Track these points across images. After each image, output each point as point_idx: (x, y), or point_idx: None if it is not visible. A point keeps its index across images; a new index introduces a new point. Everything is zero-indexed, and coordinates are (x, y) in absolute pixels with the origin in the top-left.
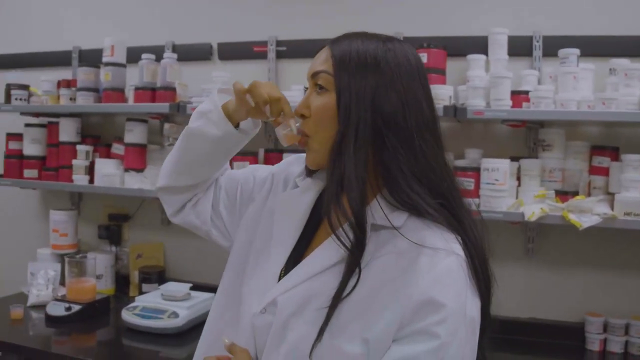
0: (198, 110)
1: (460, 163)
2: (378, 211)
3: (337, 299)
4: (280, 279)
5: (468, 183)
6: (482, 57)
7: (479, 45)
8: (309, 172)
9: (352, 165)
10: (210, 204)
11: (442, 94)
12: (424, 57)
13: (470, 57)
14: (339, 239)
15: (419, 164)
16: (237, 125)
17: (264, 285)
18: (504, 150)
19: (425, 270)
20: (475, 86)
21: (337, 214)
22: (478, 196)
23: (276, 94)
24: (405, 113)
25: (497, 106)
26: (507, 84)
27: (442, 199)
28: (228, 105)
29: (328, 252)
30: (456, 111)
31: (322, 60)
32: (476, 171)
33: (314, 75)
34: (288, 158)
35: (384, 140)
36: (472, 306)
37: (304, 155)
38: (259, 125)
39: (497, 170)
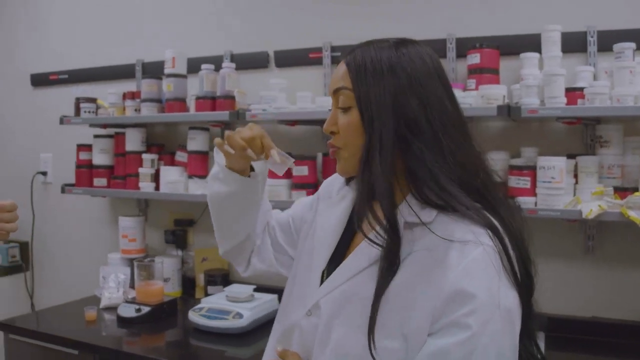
0: (209, 176)
1: (515, 162)
2: (408, 210)
3: (378, 298)
4: (322, 282)
5: (524, 182)
6: (536, 55)
7: (532, 43)
8: (347, 181)
9: (380, 174)
10: (270, 247)
11: (495, 93)
12: (476, 57)
13: (523, 55)
14: (373, 241)
15: (446, 163)
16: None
17: (307, 289)
18: (560, 148)
19: (454, 263)
20: (529, 84)
21: (370, 220)
22: (534, 195)
23: (249, 134)
24: (427, 114)
25: (552, 104)
26: (561, 81)
27: (475, 194)
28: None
29: (364, 254)
30: (510, 110)
31: (340, 76)
32: (532, 170)
33: (335, 92)
34: (329, 177)
35: (409, 144)
36: (507, 297)
37: None
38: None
39: (554, 168)
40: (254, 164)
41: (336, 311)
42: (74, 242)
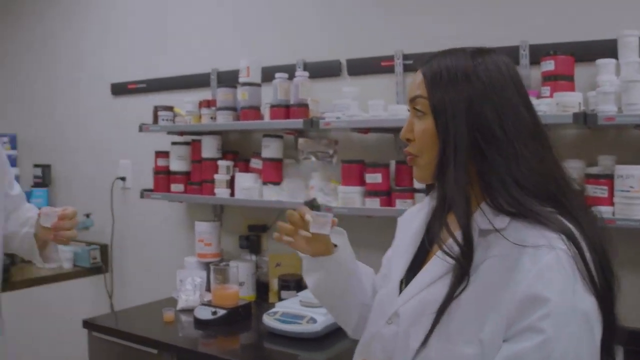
0: (303, 273)
1: (592, 170)
2: (482, 217)
3: (444, 306)
4: (401, 291)
5: (601, 191)
6: (612, 61)
7: (608, 48)
8: (427, 191)
9: (454, 182)
10: None
11: (571, 100)
12: (550, 64)
13: (599, 61)
14: (446, 252)
15: (520, 170)
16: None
17: (387, 298)
18: (638, 156)
19: (527, 268)
20: (606, 91)
21: (445, 228)
22: (612, 204)
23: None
24: (502, 122)
25: (630, 111)
26: (639, 87)
27: (551, 201)
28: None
29: (440, 262)
30: (586, 118)
31: (417, 85)
32: (609, 178)
33: (411, 101)
34: (404, 214)
35: (483, 152)
36: (584, 301)
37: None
38: (344, 234)
39: (632, 177)
40: (332, 237)
41: (414, 319)
42: (152, 245)
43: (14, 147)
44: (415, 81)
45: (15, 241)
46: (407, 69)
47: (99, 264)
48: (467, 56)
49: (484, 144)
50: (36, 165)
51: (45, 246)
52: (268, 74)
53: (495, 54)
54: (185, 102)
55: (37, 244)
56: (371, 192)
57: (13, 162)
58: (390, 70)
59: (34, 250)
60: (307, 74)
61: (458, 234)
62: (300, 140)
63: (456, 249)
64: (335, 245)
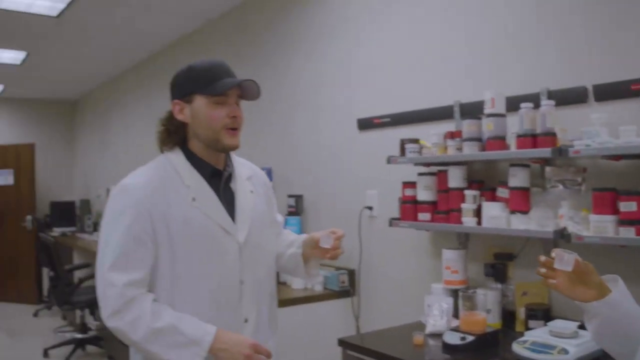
0: (586, 322)
1: None
2: None
3: None
4: None
5: None
6: None
7: None
8: None
9: None
10: None
11: None
12: None
13: None
14: None
15: None
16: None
17: None
18: None
19: None
20: None
21: None
22: None
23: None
24: None
25: None
26: None
27: None
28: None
29: None
30: None
31: None
32: None
33: None
34: None
35: None
36: None
37: None
38: (618, 279)
39: None
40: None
41: None
42: (397, 271)
43: (270, 179)
44: None
45: (282, 260)
46: None
47: (347, 287)
48: None
49: None
50: (290, 196)
51: (308, 264)
52: (511, 104)
53: None
54: (430, 135)
55: (303, 262)
56: (625, 221)
57: None
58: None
59: (300, 267)
60: (553, 102)
61: None
62: (548, 169)
63: None
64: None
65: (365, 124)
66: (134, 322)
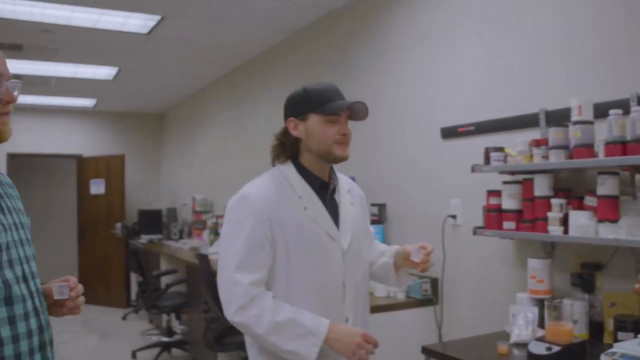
0: None
1: None
2: None
3: None
4: None
5: None
6: None
7: None
8: None
9: None
10: None
11: None
12: None
13: None
14: None
15: None
16: None
17: None
18: None
19: None
20: None
21: None
22: None
23: None
24: None
25: None
26: None
27: None
28: None
29: None
30: None
31: None
32: None
33: None
34: None
35: None
36: None
37: None
38: None
39: None
40: None
41: None
42: (481, 280)
43: None
44: None
45: (373, 267)
46: None
47: (429, 296)
48: None
49: None
50: (373, 204)
51: (398, 273)
52: (599, 110)
53: None
54: (516, 143)
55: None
56: None
57: None
58: None
59: (391, 276)
60: None
61: None
62: (638, 177)
63: None
64: None
65: (449, 133)
66: (258, 316)
